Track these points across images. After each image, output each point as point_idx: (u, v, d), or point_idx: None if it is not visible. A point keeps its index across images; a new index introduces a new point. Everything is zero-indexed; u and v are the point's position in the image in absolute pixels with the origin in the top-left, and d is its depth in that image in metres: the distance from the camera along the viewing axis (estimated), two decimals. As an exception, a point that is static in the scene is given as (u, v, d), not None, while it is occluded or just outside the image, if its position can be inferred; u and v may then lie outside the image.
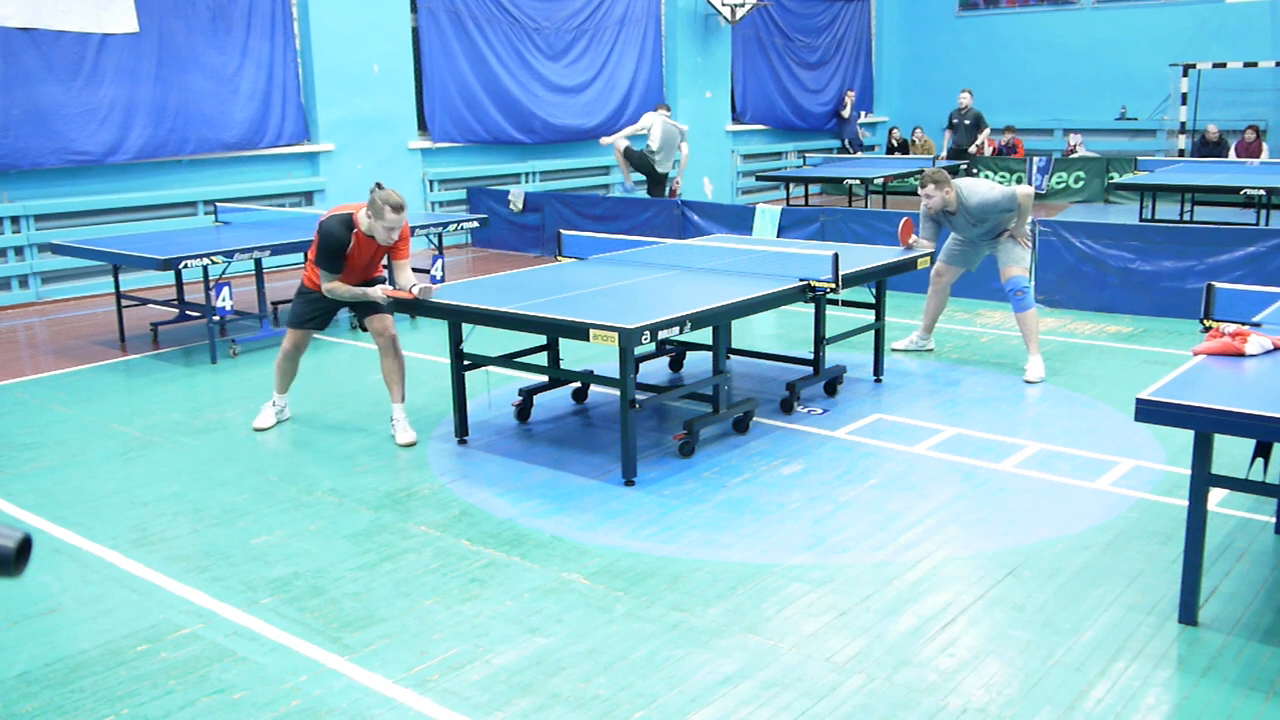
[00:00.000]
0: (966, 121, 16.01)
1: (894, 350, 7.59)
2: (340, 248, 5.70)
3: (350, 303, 6.00)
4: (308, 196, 12.35)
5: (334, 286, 5.83)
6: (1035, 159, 16.03)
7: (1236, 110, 16.72)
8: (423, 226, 9.33)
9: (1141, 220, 12.56)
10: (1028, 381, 6.83)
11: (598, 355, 6.94)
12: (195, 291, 8.66)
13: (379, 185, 5.68)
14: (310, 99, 12.22)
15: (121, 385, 7.31)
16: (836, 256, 5.82)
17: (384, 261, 6.08)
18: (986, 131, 16.16)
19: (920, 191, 7.00)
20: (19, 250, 10.41)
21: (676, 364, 7.26)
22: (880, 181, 14.53)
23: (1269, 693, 3.38)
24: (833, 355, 6.99)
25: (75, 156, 10.41)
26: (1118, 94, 18.38)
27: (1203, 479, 3.66)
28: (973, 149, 15.90)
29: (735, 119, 17.72)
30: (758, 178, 15.81)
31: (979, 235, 7.09)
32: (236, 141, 11.65)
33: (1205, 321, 4.55)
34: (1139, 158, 14.99)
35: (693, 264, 6.61)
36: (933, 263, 7.19)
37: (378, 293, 5.77)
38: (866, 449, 5.67)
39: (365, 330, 6.07)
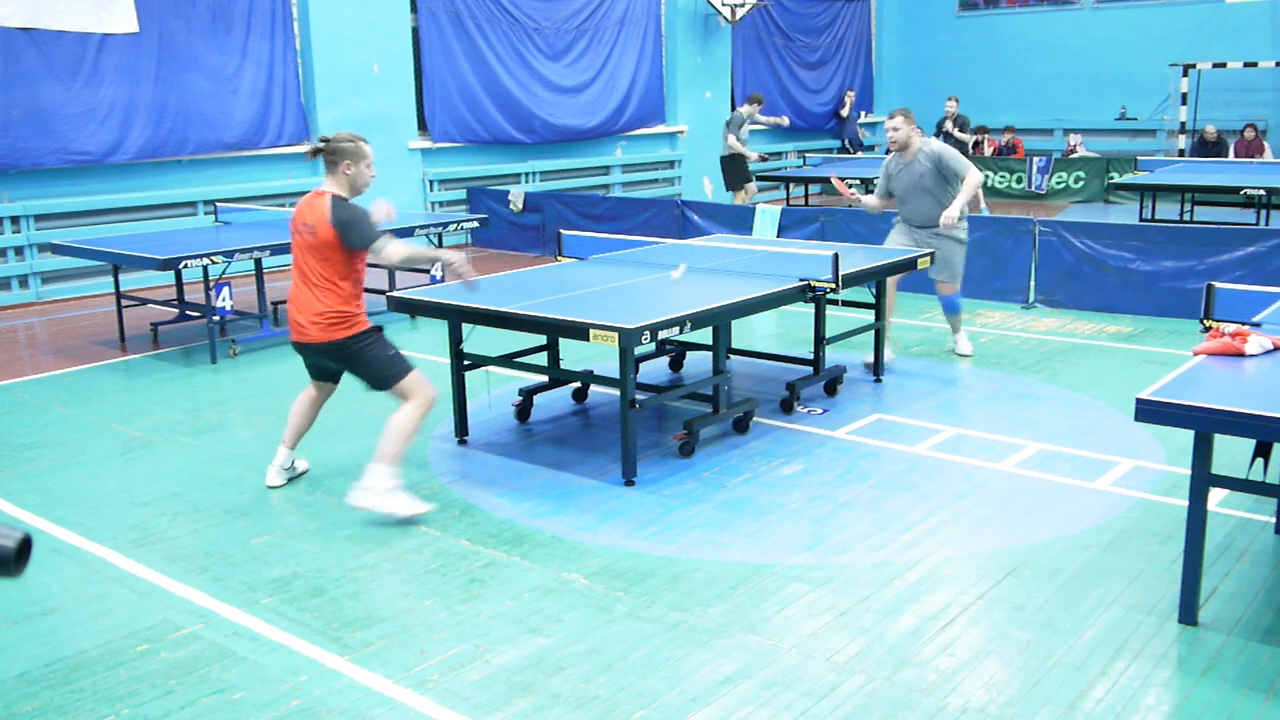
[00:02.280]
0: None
1: (960, 355, 7.56)
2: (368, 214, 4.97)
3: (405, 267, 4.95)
4: (308, 197, 12.36)
5: (391, 249, 4.84)
6: (1035, 159, 16.03)
7: (1236, 110, 16.72)
8: (423, 226, 9.33)
9: (1141, 220, 12.57)
10: (960, 354, 7.45)
11: (598, 355, 6.94)
12: (195, 291, 8.66)
13: (324, 139, 4.94)
14: (310, 99, 12.22)
15: (121, 385, 7.31)
16: (836, 256, 5.83)
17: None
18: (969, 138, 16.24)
19: (888, 124, 7.07)
20: (19, 250, 10.41)
21: (676, 364, 7.25)
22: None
23: (1269, 693, 3.38)
24: (833, 355, 6.99)
25: (75, 156, 10.41)
26: (1118, 94, 18.39)
27: (1203, 479, 3.66)
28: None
29: (735, 119, 17.72)
30: (758, 178, 15.78)
31: (916, 189, 7.08)
32: (236, 141, 11.66)
33: (1205, 321, 4.55)
34: (1139, 158, 14.98)
35: (692, 264, 6.61)
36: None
37: (451, 256, 5.01)
38: (866, 449, 5.67)
39: (382, 391, 5.07)
